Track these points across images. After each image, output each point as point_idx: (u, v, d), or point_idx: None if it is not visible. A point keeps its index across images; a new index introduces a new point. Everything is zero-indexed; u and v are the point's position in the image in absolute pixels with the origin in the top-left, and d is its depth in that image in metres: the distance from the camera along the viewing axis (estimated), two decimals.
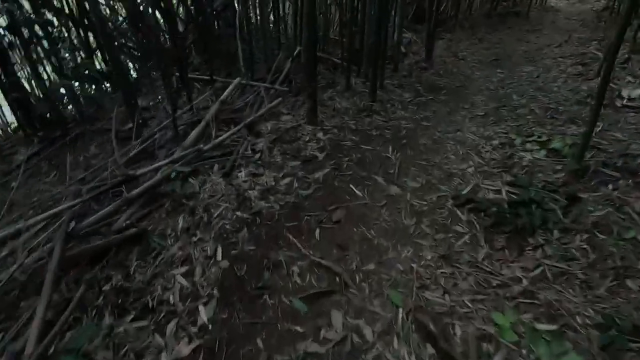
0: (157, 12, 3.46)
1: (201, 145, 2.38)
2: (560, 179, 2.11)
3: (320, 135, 2.76)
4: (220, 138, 2.48)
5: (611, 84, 3.43)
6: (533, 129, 2.72)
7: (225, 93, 3.06)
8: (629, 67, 3.81)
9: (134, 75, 4.08)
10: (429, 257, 1.70)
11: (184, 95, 3.23)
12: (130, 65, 4.13)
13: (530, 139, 2.55)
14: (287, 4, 4.99)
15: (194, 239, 1.81)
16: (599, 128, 2.57)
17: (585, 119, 2.78)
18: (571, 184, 2.04)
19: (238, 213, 1.96)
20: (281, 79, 3.68)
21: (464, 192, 2.11)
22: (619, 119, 2.71)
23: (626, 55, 4.08)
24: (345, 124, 2.96)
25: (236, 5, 4.65)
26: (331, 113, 3.15)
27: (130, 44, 4.02)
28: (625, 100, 2.95)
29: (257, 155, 2.46)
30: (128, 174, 2.00)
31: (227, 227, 1.88)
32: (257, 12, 4.48)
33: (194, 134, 2.55)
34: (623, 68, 3.82)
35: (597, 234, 1.69)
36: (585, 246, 1.63)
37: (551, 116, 2.89)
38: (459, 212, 1.96)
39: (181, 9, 4.48)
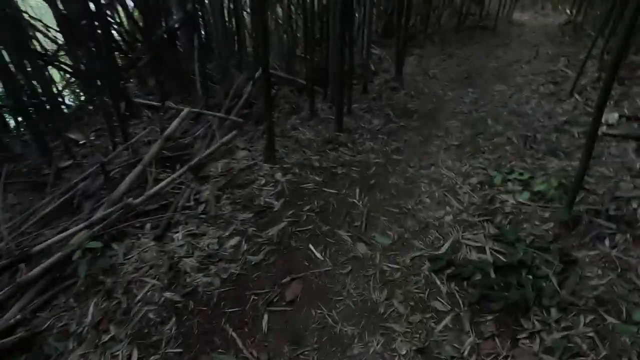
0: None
1: (130, 200, 1.94)
2: (550, 231, 1.79)
3: (278, 176, 2.36)
4: (156, 188, 2.04)
5: (587, 107, 3.21)
6: (512, 163, 2.41)
7: (172, 127, 2.61)
8: (601, 86, 3.61)
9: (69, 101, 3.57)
10: (403, 352, 1.32)
11: (128, 125, 2.78)
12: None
13: (510, 176, 2.23)
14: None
15: (105, 337, 1.37)
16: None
17: (566, 150, 2.50)
18: (563, 239, 1.73)
19: (167, 294, 1.53)
20: (241, 104, 3.26)
21: (443, 250, 1.75)
22: (602, 151, 2.45)
23: (597, 74, 3.89)
24: (308, 160, 2.57)
25: (196, 21, 4.23)
26: (293, 146, 2.76)
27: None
28: (604, 128, 2.70)
29: (201, 207, 2.04)
30: (19, 252, 1.53)
31: (151, 316, 1.45)
32: (219, 28, 4.06)
33: (126, 182, 2.09)
34: (594, 89, 3.62)
35: (603, 314, 1.36)
36: (591, 334, 1.30)
37: (530, 146, 2.60)
38: (437, 281, 1.60)
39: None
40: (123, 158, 2.52)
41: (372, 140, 2.90)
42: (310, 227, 1.93)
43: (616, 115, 2.92)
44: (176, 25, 3.96)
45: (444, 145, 2.80)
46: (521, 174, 2.23)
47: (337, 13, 2.74)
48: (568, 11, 8.36)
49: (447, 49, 5.96)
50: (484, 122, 3.15)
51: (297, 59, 4.60)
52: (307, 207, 2.07)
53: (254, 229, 1.90)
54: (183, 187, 2.19)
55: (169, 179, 2.14)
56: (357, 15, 5.47)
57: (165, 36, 3.90)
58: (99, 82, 2.85)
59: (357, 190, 2.23)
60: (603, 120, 2.91)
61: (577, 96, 3.46)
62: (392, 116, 3.37)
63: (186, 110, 2.84)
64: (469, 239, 1.81)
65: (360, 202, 2.13)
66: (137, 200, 1.96)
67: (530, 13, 9.11)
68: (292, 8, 4.79)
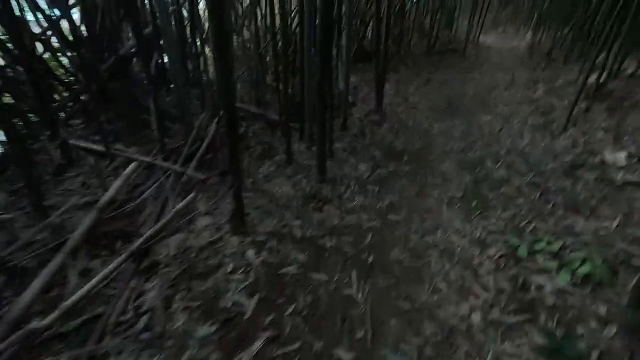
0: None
1: (36, 322, 1.30)
2: (616, 339, 1.33)
3: (250, 255, 1.78)
4: (76, 297, 1.40)
5: (587, 144, 2.86)
6: (533, 224, 1.97)
7: (110, 192, 1.98)
8: (593, 117, 3.32)
9: None
10: None
11: (61, 180, 2.11)
12: None
13: (537, 245, 1.78)
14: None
15: None
16: (614, 224, 1.88)
17: (589, 204, 2.09)
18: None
19: None
20: (203, 149, 2.67)
21: None
22: (632, 205, 2.05)
23: (584, 105, 3.61)
24: (288, 227, 2.01)
25: (152, 49, 3.61)
26: (268, 206, 2.20)
27: None
28: (621, 174, 2.33)
29: (143, 321, 1.42)
30: None
31: None
32: (178, 57, 3.47)
33: (34, 287, 1.44)
34: (587, 119, 3.32)
35: None
36: None
37: (545, 200, 2.18)
38: None
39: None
40: (42, 241, 1.86)
41: (362, 192, 2.38)
42: (297, 345, 1.36)
43: (623, 155, 2.58)
44: (131, 51, 3.33)
45: (444, 198, 2.32)
46: (549, 242, 1.77)
47: (319, 38, 2.24)
48: (530, 33, 8.39)
49: (422, 74, 5.63)
50: (483, 164, 2.72)
51: (268, 89, 4.07)
52: (291, 309, 1.51)
53: (217, 354, 1.31)
54: (119, 287, 1.56)
55: (98, 278, 1.50)
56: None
57: (116, 65, 3.26)
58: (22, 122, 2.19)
59: (354, 275, 1.69)
60: (609, 161, 2.56)
61: (571, 129, 3.13)
62: (379, 158, 2.88)
63: (132, 165, 2.21)
64: (511, 356, 1.31)
65: (360, 294, 1.59)
66: (46, 321, 1.32)
67: (494, 35, 9.10)
68: (261, 31, 4.27)
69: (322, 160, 2.44)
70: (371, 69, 4.59)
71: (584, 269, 1.55)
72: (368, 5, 6.03)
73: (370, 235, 1.97)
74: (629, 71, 4.20)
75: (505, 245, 1.83)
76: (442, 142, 3.21)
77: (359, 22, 6.27)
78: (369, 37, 6.49)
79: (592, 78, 4.31)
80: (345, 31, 3.21)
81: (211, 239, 1.87)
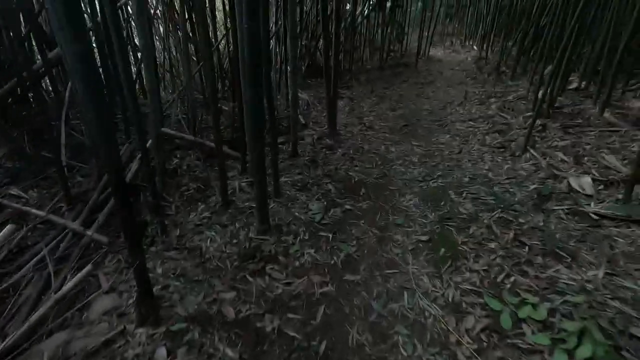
0: None
1: None
2: None
3: (160, 357, 1.29)
4: None
5: (550, 168, 2.66)
6: (512, 278, 1.65)
7: None
8: (549, 136, 3.17)
9: None
10: None
11: None
12: None
13: (521, 312, 1.45)
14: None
15: None
16: (601, 274, 1.61)
17: (568, 248, 1.81)
18: None
19: None
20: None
21: None
22: (610, 245, 1.80)
23: (539, 123, 3.47)
24: (217, 303, 1.54)
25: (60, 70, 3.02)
26: (193, 272, 1.71)
27: None
28: (592, 205, 2.11)
29: None
30: None
31: None
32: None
33: None
34: (543, 139, 3.16)
35: None
36: None
37: (520, 242, 1.89)
38: None
39: None
40: None
41: (313, 243, 1.96)
42: None
43: (588, 180, 2.39)
44: (40, 71, 2.71)
45: (409, 244, 1.97)
46: (535, 306, 1.45)
47: (246, 55, 1.80)
48: (475, 47, 8.54)
49: (376, 90, 5.38)
50: (447, 196, 2.42)
51: (208, 112, 3.57)
52: None
53: None
54: None
55: None
56: (277, 52, 4.62)
57: (19, 88, 2.63)
58: None
59: None
60: (576, 187, 2.35)
61: (531, 151, 2.94)
62: (334, 194, 2.49)
63: (8, 228, 1.63)
64: None
65: None
66: None
67: (442, 49, 9.19)
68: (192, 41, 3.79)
69: (262, 204, 2.00)
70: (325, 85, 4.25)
71: (584, 352, 1.22)
72: (317, 19, 5.72)
73: (322, 309, 1.54)
74: (573, 85, 4.19)
75: (485, 312, 1.49)
76: (400, 170, 2.89)
77: (309, 36, 5.95)
78: (321, 52, 6.19)
79: (541, 93, 4.26)
80: (290, 46, 2.81)
81: (108, 336, 1.35)
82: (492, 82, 5.30)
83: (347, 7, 6.20)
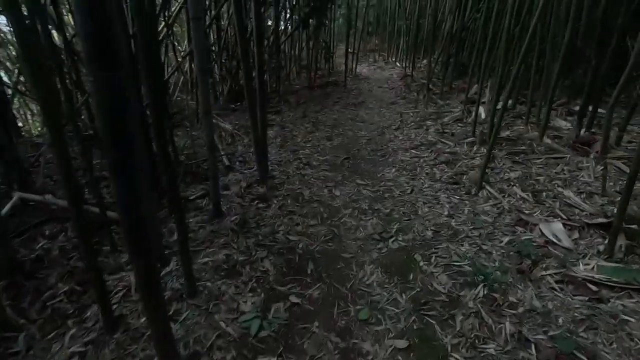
0: None
1: None
2: None
3: None
4: None
5: (512, 207, 2.33)
6: None
7: None
8: (500, 168, 2.90)
9: None
10: None
11: None
12: None
13: None
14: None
15: None
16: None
17: (575, 337, 1.39)
18: None
19: None
20: None
21: None
22: (621, 328, 1.43)
23: (484, 151, 3.22)
24: None
25: None
26: None
27: None
28: (581, 269, 1.76)
29: None
30: None
31: None
32: None
33: None
34: (493, 169, 2.89)
35: None
36: None
37: (522, 337, 1.43)
38: None
39: None
40: None
41: None
42: None
43: (560, 226, 2.08)
44: None
45: (383, 357, 1.39)
46: None
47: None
48: (398, 64, 8.57)
49: (308, 114, 4.84)
50: (413, 264, 1.91)
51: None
52: None
53: None
54: None
55: None
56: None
57: None
58: None
59: None
60: (550, 236, 2.02)
61: (487, 187, 2.61)
62: (273, 275, 1.82)
63: None
64: None
65: None
66: None
67: (367, 65, 9.09)
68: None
69: (162, 336, 1.25)
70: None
71: None
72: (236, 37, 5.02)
73: None
74: (499, 105, 4.09)
75: None
76: (352, 223, 2.33)
77: (229, 56, 5.21)
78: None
79: (473, 115, 4.11)
80: (200, 84, 2.08)
81: None
82: (423, 102, 5.11)
83: (269, 24, 5.60)
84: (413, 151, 3.50)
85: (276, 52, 5.45)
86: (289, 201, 2.58)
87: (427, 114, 4.53)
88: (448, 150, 3.37)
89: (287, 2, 5.76)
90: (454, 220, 2.30)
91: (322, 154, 3.51)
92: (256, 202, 2.56)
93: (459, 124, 4.04)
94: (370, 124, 4.52)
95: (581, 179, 2.60)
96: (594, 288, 1.60)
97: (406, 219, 2.36)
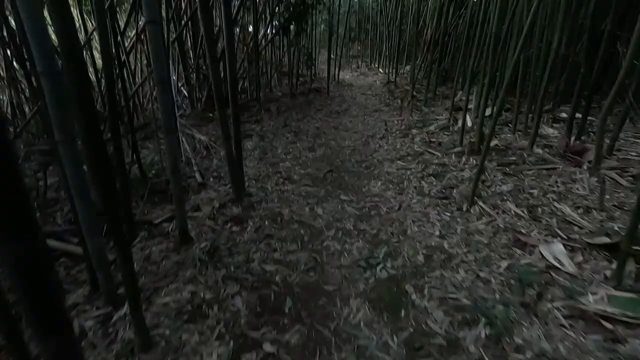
0: None
1: None
2: None
3: None
4: None
5: (508, 226, 2.14)
6: None
7: None
8: (491, 181, 2.73)
9: None
10: None
11: None
12: None
13: None
14: None
15: None
16: None
17: None
18: None
19: None
20: None
21: None
22: None
23: (474, 162, 3.06)
24: None
25: None
26: None
27: None
28: (590, 300, 1.57)
29: None
30: None
31: None
32: None
33: None
34: (484, 182, 2.71)
35: None
36: None
37: None
38: None
39: None
40: None
41: None
42: None
43: (560, 247, 1.90)
44: None
45: None
46: None
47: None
48: (381, 70, 8.44)
49: (290, 122, 4.60)
50: (404, 297, 1.68)
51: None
52: None
53: None
54: None
55: None
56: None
57: None
58: None
59: None
60: (552, 259, 1.83)
61: (479, 203, 2.43)
62: (245, 318, 1.56)
63: None
64: None
65: None
66: None
67: (349, 71, 8.94)
68: None
69: None
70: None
71: None
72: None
73: None
74: (487, 112, 3.96)
75: None
76: (335, 247, 2.09)
77: (205, 61, 4.92)
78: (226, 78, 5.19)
79: (460, 122, 3.95)
80: (159, 99, 1.81)
81: None
82: (407, 109, 4.95)
83: (250, 30, 5.37)
84: (399, 162, 3.30)
85: (256, 59, 5.20)
86: (266, 222, 2.33)
87: (412, 122, 4.36)
88: (436, 161, 3.19)
89: (267, 7, 5.52)
90: (446, 241, 2.09)
91: (303, 167, 3.27)
92: (230, 224, 2.29)
93: (445, 133, 3.88)
94: (354, 132, 4.31)
95: (576, 191, 2.45)
96: (608, 325, 1.40)
97: (395, 240, 2.14)
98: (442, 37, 5.06)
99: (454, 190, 2.67)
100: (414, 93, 5.32)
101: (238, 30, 5.51)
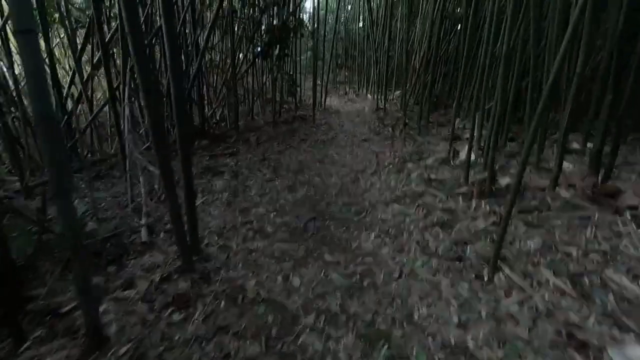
0: None
1: None
2: None
3: None
4: None
5: (550, 307, 1.53)
6: None
7: None
8: (511, 231, 2.15)
9: None
10: None
11: None
12: None
13: None
14: None
15: None
16: None
17: None
18: None
19: None
20: None
21: None
22: None
23: (487, 208, 2.49)
24: None
25: None
26: None
27: None
28: None
29: None
30: None
31: None
32: None
33: None
34: (510, 243, 2.12)
35: None
36: None
37: None
38: None
39: None
40: None
41: None
42: None
43: (638, 350, 1.29)
44: None
45: None
46: None
47: None
48: (370, 96, 8.03)
49: (269, 155, 4.01)
50: None
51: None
52: None
53: None
54: None
55: None
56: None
57: None
58: None
59: None
60: None
61: (506, 270, 1.83)
62: None
63: None
64: None
65: None
66: None
67: (336, 97, 8.51)
68: None
69: None
70: (210, 149, 2.85)
71: None
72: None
73: None
74: (495, 142, 3.43)
75: None
76: (314, 347, 1.45)
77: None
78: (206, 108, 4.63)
79: (463, 155, 3.42)
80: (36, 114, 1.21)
81: None
82: (400, 138, 4.43)
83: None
84: (396, 206, 2.71)
85: (234, 85, 4.67)
86: (222, 304, 1.68)
87: (407, 154, 3.82)
88: (440, 205, 2.61)
89: (245, 31, 5.06)
90: (469, 334, 1.47)
91: (280, 214, 2.65)
92: (170, 309, 1.63)
93: (446, 167, 3.33)
94: (342, 166, 3.74)
95: (626, 250, 1.87)
96: None
97: (398, 333, 1.51)
98: (433, 61, 4.63)
99: (468, 248, 2.07)
100: (406, 120, 4.83)
101: (212, 55, 5.02)
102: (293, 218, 2.59)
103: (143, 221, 2.31)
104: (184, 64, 4.14)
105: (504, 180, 2.78)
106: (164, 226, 2.39)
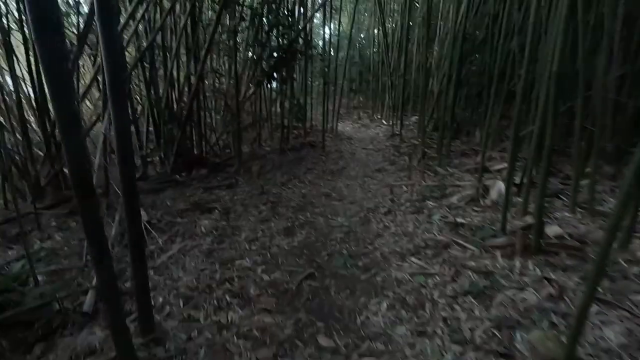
0: None
1: None
2: None
3: None
4: None
5: None
6: None
7: None
8: (575, 310, 1.52)
9: None
10: None
11: None
12: None
13: None
14: None
15: None
16: None
17: None
18: None
19: None
20: None
21: None
22: None
23: (537, 270, 1.88)
24: None
25: None
26: None
27: None
28: None
29: None
30: None
31: None
32: None
33: None
34: (565, 316, 1.51)
35: None
36: None
37: None
38: None
39: None
40: None
41: None
42: None
43: None
44: None
45: None
46: None
47: None
48: (384, 122, 7.57)
49: (269, 188, 3.53)
50: None
51: None
52: None
53: None
54: None
55: None
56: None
57: None
58: None
59: None
60: None
61: None
62: None
63: None
64: None
65: None
66: None
67: (350, 123, 8.09)
68: None
69: None
70: (207, 180, 2.40)
71: None
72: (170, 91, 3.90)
73: None
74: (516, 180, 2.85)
75: None
76: None
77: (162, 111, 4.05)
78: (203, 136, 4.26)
79: (494, 193, 2.83)
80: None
81: None
82: (417, 170, 3.87)
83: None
84: (414, 260, 2.14)
85: (237, 110, 4.30)
86: None
87: (426, 189, 3.25)
88: (472, 263, 2.01)
89: (248, 53, 4.74)
90: None
91: (270, 268, 2.12)
92: None
93: (475, 208, 2.74)
94: (351, 203, 3.21)
95: None
96: None
97: None
98: (455, 85, 4.12)
99: (518, 335, 1.46)
100: (425, 149, 4.28)
101: (215, 78, 4.70)
102: (285, 274, 2.05)
103: (94, 282, 1.83)
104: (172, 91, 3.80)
105: (551, 229, 2.17)
106: (123, 283, 1.90)
